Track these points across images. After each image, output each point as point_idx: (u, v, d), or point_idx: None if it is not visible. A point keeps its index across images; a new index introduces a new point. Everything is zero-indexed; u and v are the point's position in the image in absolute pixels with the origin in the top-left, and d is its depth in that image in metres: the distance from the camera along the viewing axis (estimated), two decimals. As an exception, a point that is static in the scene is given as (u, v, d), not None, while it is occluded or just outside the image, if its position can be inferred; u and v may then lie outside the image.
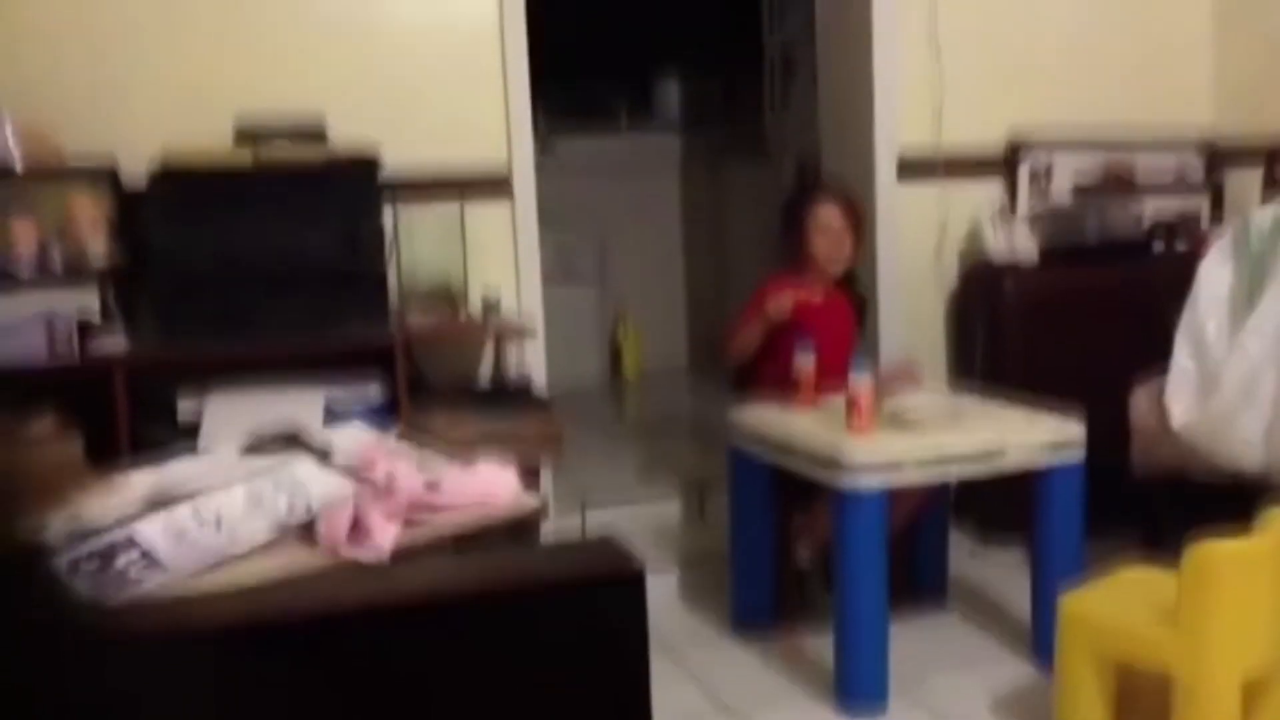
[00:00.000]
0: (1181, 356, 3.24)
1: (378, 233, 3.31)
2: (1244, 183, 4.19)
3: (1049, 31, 4.22)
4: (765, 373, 3.41)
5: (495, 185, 3.71)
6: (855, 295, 3.61)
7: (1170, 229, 4.15)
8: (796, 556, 3.40)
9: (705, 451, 4.35)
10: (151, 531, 1.50)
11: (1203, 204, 4.33)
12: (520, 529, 1.81)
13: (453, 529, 1.67)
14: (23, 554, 1.47)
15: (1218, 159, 4.36)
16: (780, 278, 3.47)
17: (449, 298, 3.50)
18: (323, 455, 1.80)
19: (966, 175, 4.13)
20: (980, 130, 4.14)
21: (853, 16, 4.15)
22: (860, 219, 3.55)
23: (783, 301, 3.29)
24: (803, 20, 5.05)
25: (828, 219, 3.47)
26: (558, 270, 5.17)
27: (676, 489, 4.05)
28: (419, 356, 3.43)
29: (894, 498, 2.94)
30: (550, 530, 3.29)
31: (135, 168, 3.19)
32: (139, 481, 1.76)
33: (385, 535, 1.56)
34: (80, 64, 3.35)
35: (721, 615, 3.43)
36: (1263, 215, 3.28)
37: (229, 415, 2.95)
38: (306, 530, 1.60)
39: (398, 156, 3.36)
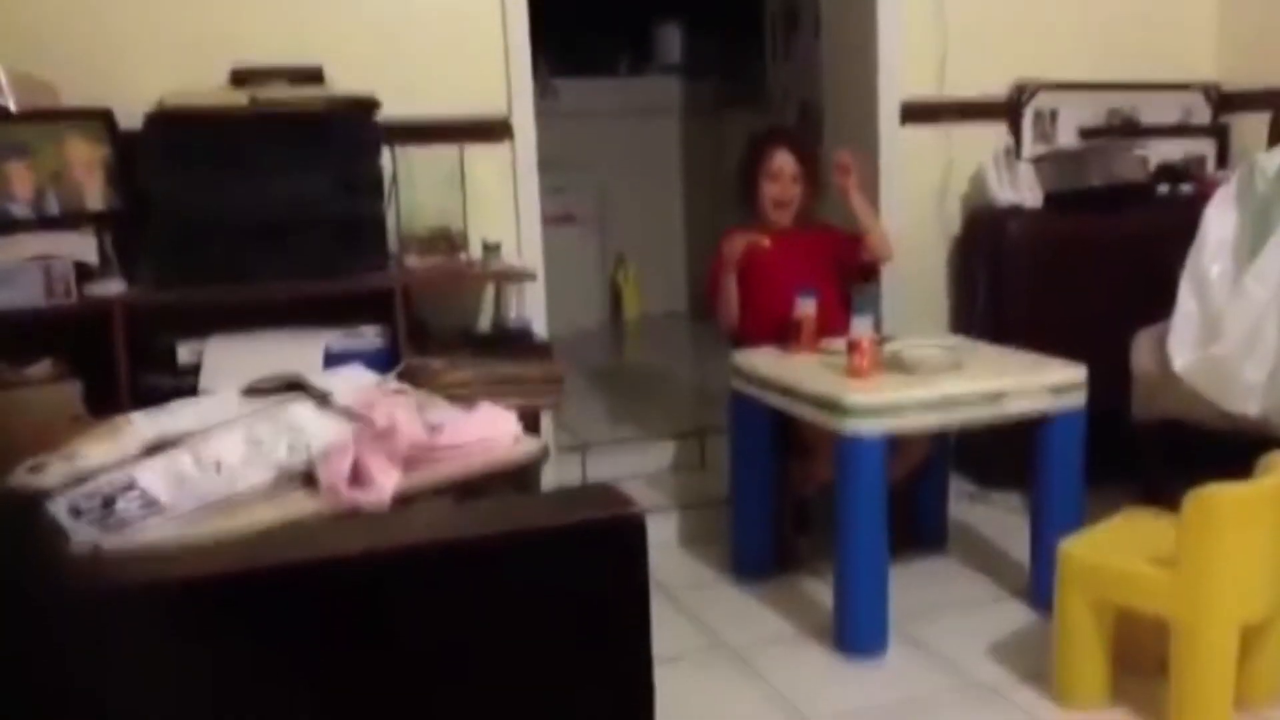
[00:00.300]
0: (1185, 301, 3.22)
1: (376, 176, 3.28)
2: (1250, 126, 4.15)
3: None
4: (749, 326, 3.43)
5: (495, 129, 3.67)
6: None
7: (1175, 173, 4.11)
8: (799, 489, 3.43)
9: (705, 396, 4.35)
10: (152, 475, 1.50)
11: (1208, 148, 4.29)
12: (521, 473, 1.81)
13: (454, 474, 1.67)
14: (16, 502, 1.47)
15: (1224, 102, 4.31)
16: (735, 228, 3.52)
17: (448, 242, 3.47)
18: (322, 399, 1.79)
19: (970, 120, 4.09)
20: (985, 79, 4.09)
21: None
22: (814, 167, 3.54)
23: (735, 245, 3.38)
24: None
25: (779, 165, 3.49)
26: (558, 214, 5.14)
27: (676, 434, 4.05)
28: (418, 302, 3.41)
29: (895, 451, 2.94)
30: (550, 475, 3.33)
31: (132, 122, 3.15)
32: (139, 425, 1.76)
33: (387, 479, 1.56)
34: (76, 16, 3.29)
35: (721, 560, 3.45)
36: (1269, 159, 3.24)
37: (228, 361, 2.94)
38: (307, 474, 1.59)
39: (397, 101, 3.31)
